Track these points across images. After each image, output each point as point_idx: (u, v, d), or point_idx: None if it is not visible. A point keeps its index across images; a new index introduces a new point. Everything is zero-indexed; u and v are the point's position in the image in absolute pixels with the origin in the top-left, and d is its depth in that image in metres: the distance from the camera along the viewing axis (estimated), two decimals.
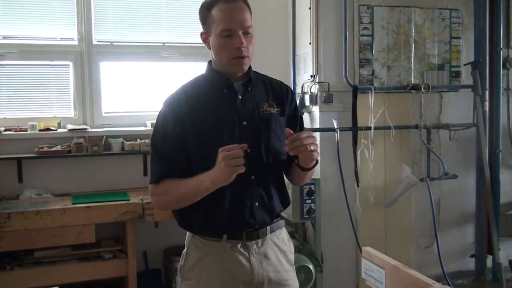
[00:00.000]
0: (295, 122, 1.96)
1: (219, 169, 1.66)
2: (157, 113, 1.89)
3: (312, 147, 1.71)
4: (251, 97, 1.85)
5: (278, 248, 1.92)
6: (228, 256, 1.83)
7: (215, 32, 1.79)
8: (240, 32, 1.77)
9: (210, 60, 1.92)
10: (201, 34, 1.88)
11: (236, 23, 1.77)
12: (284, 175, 1.99)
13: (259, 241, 1.87)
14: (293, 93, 1.99)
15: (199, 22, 1.87)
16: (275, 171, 1.91)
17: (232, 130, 1.79)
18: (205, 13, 1.83)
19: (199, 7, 1.86)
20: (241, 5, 1.80)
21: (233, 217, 1.82)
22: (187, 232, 1.93)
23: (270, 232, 1.90)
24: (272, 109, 1.86)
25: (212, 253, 1.85)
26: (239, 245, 1.84)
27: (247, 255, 1.84)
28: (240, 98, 1.84)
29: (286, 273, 1.93)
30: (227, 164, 1.63)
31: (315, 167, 1.87)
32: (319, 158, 1.85)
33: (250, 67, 1.89)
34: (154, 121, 3.70)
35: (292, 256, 1.99)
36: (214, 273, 1.83)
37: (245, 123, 1.80)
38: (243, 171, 1.66)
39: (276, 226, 1.94)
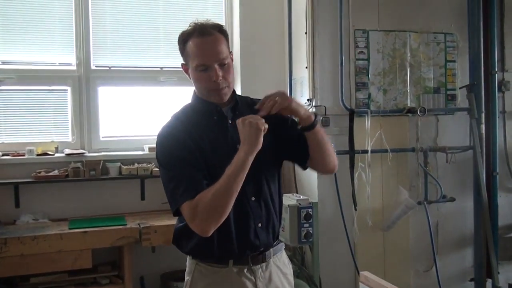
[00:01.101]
0: (285, 121, 1.96)
1: (245, 132, 1.68)
2: (155, 143, 1.88)
3: (280, 98, 1.75)
4: None
5: (280, 271, 1.96)
6: (235, 282, 1.85)
7: (192, 66, 1.82)
8: (216, 65, 1.78)
9: (195, 90, 1.93)
10: (182, 65, 1.91)
11: (210, 58, 1.78)
12: (312, 167, 1.98)
13: (264, 265, 1.90)
14: None
15: None
16: (272, 189, 1.92)
17: (229, 155, 1.79)
18: (181, 46, 1.85)
19: (177, 38, 1.87)
20: (215, 37, 1.80)
21: (239, 240, 1.83)
22: (189, 259, 1.93)
23: (273, 255, 1.93)
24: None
25: (219, 280, 1.86)
26: (245, 270, 1.86)
27: (254, 279, 1.86)
28: (230, 122, 1.86)
29: None
30: (249, 123, 1.67)
31: (322, 129, 1.89)
32: (315, 117, 1.86)
33: (234, 91, 1.91)
34: (152, 145, 3.76)
35: (292, 279, 2.02)
36: None
37: (238, 146, 1.81)
38: (266, 126, 1.69)
39: (278, 248, 1.97)
